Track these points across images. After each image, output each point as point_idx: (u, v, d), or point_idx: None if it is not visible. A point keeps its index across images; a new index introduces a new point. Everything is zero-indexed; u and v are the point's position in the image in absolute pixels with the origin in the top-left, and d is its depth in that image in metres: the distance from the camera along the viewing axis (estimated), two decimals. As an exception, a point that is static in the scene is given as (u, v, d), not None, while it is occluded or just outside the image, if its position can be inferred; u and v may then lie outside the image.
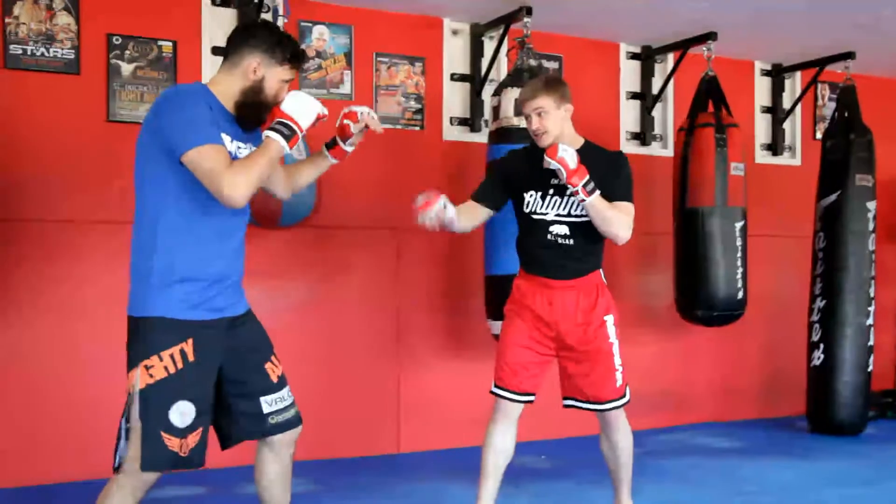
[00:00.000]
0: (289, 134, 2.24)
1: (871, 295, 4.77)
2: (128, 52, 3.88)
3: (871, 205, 4.79)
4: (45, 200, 3.76)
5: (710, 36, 4.50)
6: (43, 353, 3.73)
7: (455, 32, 4.55)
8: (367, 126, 2.55)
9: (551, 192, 2.89)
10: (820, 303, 4.81)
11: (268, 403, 2.40)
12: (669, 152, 4.91)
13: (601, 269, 3.00)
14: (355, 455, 4.29)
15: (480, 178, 4.18)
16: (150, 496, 2.34)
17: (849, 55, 4.87)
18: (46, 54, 3.74)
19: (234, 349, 2.34)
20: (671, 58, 4.99)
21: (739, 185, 4.41)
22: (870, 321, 4.76)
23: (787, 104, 5.43)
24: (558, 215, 2.89)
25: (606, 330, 2.94)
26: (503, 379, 2.97)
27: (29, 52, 3.71)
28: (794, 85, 5.46)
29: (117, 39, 3.87)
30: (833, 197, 4.80)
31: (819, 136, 5.40)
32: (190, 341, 2.22)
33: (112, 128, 3.85)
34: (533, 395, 2.99)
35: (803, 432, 4.96)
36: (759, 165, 5.31)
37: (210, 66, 3.98)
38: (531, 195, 2.92)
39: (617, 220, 2.83)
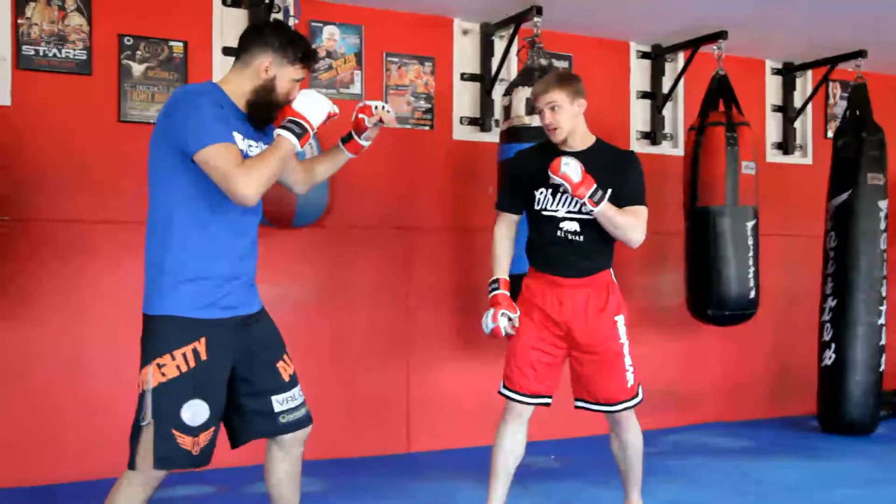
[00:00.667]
0: (300, 132, 2.26)
1: (883, 294, 4.75)
2: (139, 52, 3.90)
3: (883, 203, 4.77)
4: (56, 200, 3.78)
5: (720, 35, 4.48)
6: (49, 352, 3.74)
7: (465, 32, 4.55)
8: (381, 120, 2.56)
9: (561, 189, 2.88)
10: (831, 302, 4.79)
11: (279, 402, 2.41)
12: (680, 151, 4.90)
13: (611, 269, 2.99)
14: (365, 454, 4.30)
15: (490, 178, 4.22)
16: (159, 495, 2.35)
17: (860, 53, 4.85)
18: (58, 55, 3.76)
19: (247, 347, 2.35)
20: (681, 57, 4.97)
21: (751, 184, 4.39)
22: (881, 320, 4.74)
23: (798, 103, 5.41)
24: (569, 212, 2.88)
25: (617, 330, 2.93)
26: (512, 380, 2.96)
27: (41, 53, 3.73)
28: (805, 83, 5.44)
29: (129, 40, 3.88)
30: (844, 196, 4.78)
31: (830, 134, 5.38)
32: (203, 340, 2.23)
33: (123, 128, 3.87)
34: (546, 397, 2.97)
35: (814, 432, 4.94)
36: (770, 164, 5.29)
37: (221, 66, 4.00)
38: (541, 192, 2.92)
39: (628, 226, 2.82)
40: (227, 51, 4.00)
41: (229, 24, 4.02)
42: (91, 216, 3.83)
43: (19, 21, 3.69)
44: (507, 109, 4.01)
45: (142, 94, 3.90)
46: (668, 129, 5.08)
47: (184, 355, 2.21)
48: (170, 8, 3.96)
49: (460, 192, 4.52)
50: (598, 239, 2.89)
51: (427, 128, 4.49)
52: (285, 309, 3.67)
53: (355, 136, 2.61)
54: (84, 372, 3.78)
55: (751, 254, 4.38)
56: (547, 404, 2.99)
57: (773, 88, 5.40)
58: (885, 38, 4.73)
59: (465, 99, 4.56)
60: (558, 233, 2.90)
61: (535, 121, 3.88)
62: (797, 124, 5.44)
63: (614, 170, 2.87)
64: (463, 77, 4.55)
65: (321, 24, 4.24)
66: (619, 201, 2.84)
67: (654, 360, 4.96)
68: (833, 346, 4.75)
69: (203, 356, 2.23)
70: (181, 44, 3.97)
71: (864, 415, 4.73)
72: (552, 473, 4.03)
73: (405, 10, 4.37)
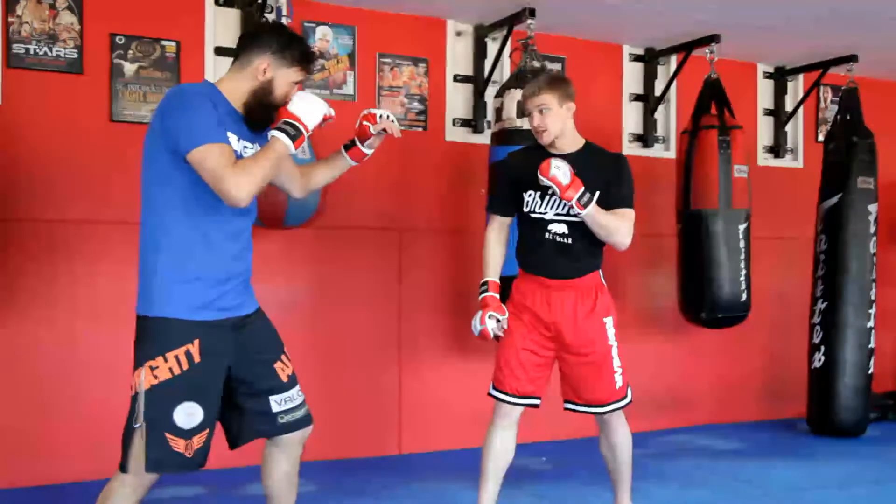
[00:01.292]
0: (295, 134, 2.25)
1: (873, 297, 4.77)
2: (131, 51, 3.88)
3: (873, 207, 4.79)
4: (48, 200, 3.75)
5: (713, 38, 4.50)
6: (43, 352, 3.72)
7: (458, 34, 4.55)
8: (385, 130, 2.56)
9: (550, 191, 2.89)
10: (821, 305, 4.81)
11: (277, 403, 2.40)
12: (672, 154, 4.91)
13: (600, 271, 2.99)
14: (357, 456, 4.29)
15: (483, 179, 4.22)
16: (152, 496, 2.34)
17: (851, 58, 4.87)
18: (49, 54, 3.74)
19: (243, 348, 2.34)
20: (674, 60, 4.98)
21: (743, 187, 4.41)
22: (871, 323, 4.76)
23: (789, 106, 5.43)
24: (557, 214, 2.89)
25: (606, 332, 2.93)
26: (501, 381, 2.96)
27: (32, 52, 3.71)
28: (796, 87, 5.46)
29: (120, 39, 3.86)
30: (835, 199, 4.80)
31: (821, 138, 5.40)
32: (196, 342, 2.22)
33: (115, 128, 3.85)
34: (535, 398, 2.97)
35: (805, 434, 4.96)
36: (762, 168, 5.31)
37: (213, 66, 3.98)
38: (530, 195, 2.92)
39: (615, 229, 2.83)
40: (219, 51, 3.99)
41: (222, 24, 4.01)
42: (83, 216, 3.81)
43: (10, 19, 3.67)
44: (499, 111, 4.02)
45: (134, 93, 3.89)
46: (660, 132, 5.09)
47: (176, 357, 2.20)
48: (162, 7, 3.94)
49: (453, 193, 4.52)
50: (586, 241, 2.89)
51: (420, 129, 4.48)
52: (276, 310, 3.62)
53: (358, 144, 2.60)
54: (78, 372, 3.76)
55: (742, 257, 4.40)
56: (536, 406, 2.99)
57: (765, 92, 5.42)
58: (876, 42, 4.76)
59: (458, 100, 4.56)
60: (547, 235, 2.90)
61: (526, 123, 3.87)
62: (789, 128, 5.46)
63: (603, 172, 2.87)
64: (456, 79, 4.55)
65: (314, 25, 4.23)
66: (607, 204, 2.84)
67: (647, 362, 4.97)
68: (823, 348, 4.77)
69: (196, 358, 2.22)
70: (173, 43, 3.95)
71: (853, 417, 4.75)
72: (544, 475, 4.03)
73: (398, 11, 4.37)
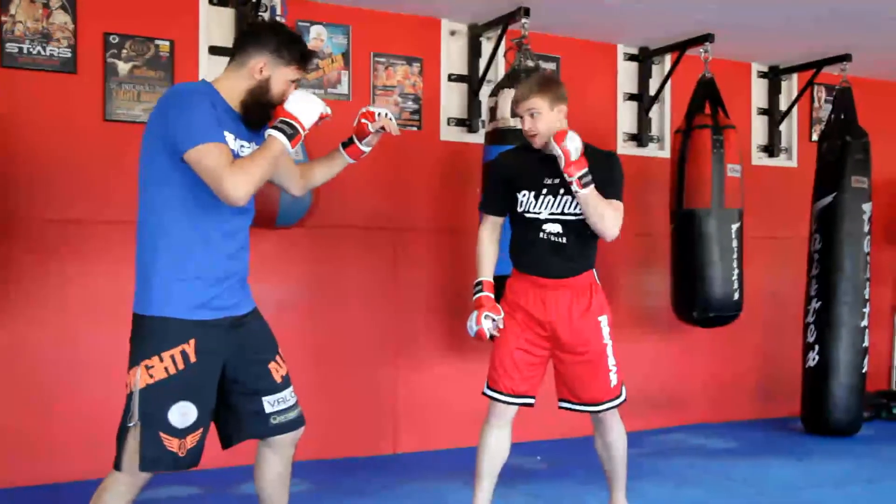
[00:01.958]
0: (291, 133, 2.25)
1: (866, 296, 4.78)
2: (125, 51, 3.87)
3: (867, 206, 4.80)
4: (42, 200, 3.75)
5: (707, 37, 4.50)
6: (38, 351, 3.72)
7: (453, 33, 4.55)
8: (383, 128, 2.57)
9: (544, 191, 2.89)
10: (815, 304, 4.82)
11: (270, 404, 2.39)
12: (666, 154, 4.92)
13: (594, 270, 3.00)
14: (353, 455, 4.29)
15: (477, 178, 4.22)
16: (147, 496, 2.34)
17: (845, 57, 4.88)
18: (43, 53, 3.73)
19: (238, 348, 2.34)
20: (668, 59, 4.99)
21: (736, 187, 4.42)
22: (864, 323, 4.77)
23: (783, 106, 5.44)
24: (552, 213, 2.89)
25: (601, 330, 2.94)
26: (496, 381, 2.97)
27: (25, 51, 3.70)
28: (790, 87, 5.47)
29: (114, 38, 3.86)
30: (829, 199, 4.81)
31: (815, 137, 5.41)
32: (192, 342, 2.22)
33: (109, 127, 3.84)
34: (530, 397, 2.98)
35: (799, 433, 4.97)
36: (756, 167, 5.32)
37: (207, 65, 3.98)
38: (524, 195, 2.92)
39: (608, 216, 2.84)
40: (213, 50, 3.98)
41: (216, 23, 4.01)
42: (78, 216, 3.80)
43: (3, 18, 3.66)
44: (493, 111, 4.02)
45: (127, 93, 3.88)
46: (654, 132, 5.10)
47: (172, 357, 2.19)
48: (156, 6, 3.94)
49: (448, 192, 4.52)
50: (580, 240, 2.90)
51: (415, 128, 4.48)
52: (272, 309, 3.63)
53: (356, 142, 2.61)
54: (76, 371, 3.76)
55: (735, 256, 4.41)
56: (530, 405, 3.00)
57: (759, 91, 5.43)
58: (869, 42, 4.77)
59: (452, 100, 4.56)
60: (541, 234, 2.91)
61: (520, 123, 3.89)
62: (783, 127, 5.47)
63: (596, 168, 2.86)
64: (450, 78, 4.55)
65: (308, 24, 4.23)
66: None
67: (642, 361, 4.98)
68: (817, 347, 4.78)
69: (192, 358, 2.21)
70: (167, 42, 3.94)
71: (847, 416, 4.77)
72: (539, 474, 4.03)
73: (393, 10, 4.37)
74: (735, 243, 4.41)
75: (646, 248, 5.01)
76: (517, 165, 2.96)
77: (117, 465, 2.23)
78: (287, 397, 2.44)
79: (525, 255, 2.97)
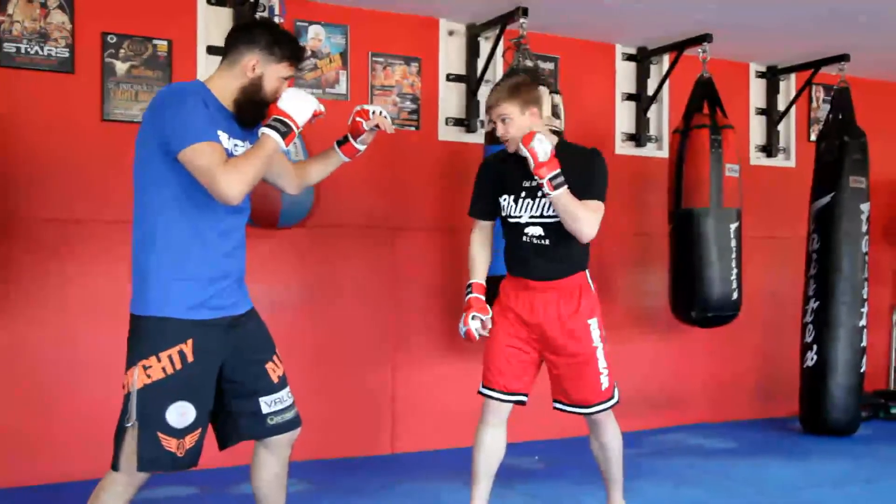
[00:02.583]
0: (285, 131, 2.24)
1: (865, 296, 4.78)
2: (122, 50, 3.87)
3: (865, 206, 4.80)
4: (40, 199, 3.74)
5: (705, 38, 4.50)
6: (34, 351, 3.71)
7: (451, 33, 4.55)
8: (377, 126, 2.57)
9: (523, 194, 2.91)
10: (813, 304, 4.83)
11: (267, 404, 2.39)
12: (664, 153, 4.92)
13: (586, 271, 2.97)
14: (350, 455, 4.28)
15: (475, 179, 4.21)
16: (144, 496, 2.34)
17: (843, 57, 4.88)
18: (41, 53, 3.72)
19: (236, 348, 2.34)
20: (666, 59, 4.99)
21: (734, 187, 4.42)
22: (863, 322, 4.77)
23: (781, 106, 5.44)
24: (532, 217, 2.89)
25: (590, 333, 2.92)
26: (489, 379, 2.98)
27: (23, 51, 3.69)
28: (788, 87, 5.48)
29: (112, 38, 3.85)
30: (827, 198, 4.81)
31: (813, 137, 5.42)
32: (189, 342, 2.21)
33: (107, 127, 3.84)
34: (523, 395, 2.99)
35: (797, 433, 4.97)
36: (754, 167, 5.32)
37: (205, 65, 3.97)
38: (505, 199, 2.94)
39: (582, 217, 2.80)
40: (211, 49, 3.98)
41: (214, 23, 4.00)
42: (75, 215, 3.80)
43: (1, 18, 3.65)
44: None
45: (125, 92, 3.88)
46: (652, 132, 5.10)
47: (170, 357, 2.19)
48: (154, 6, 3.93)
49: (446, 192, 4.51)
50: (564, 242, 2.88)
51: (413, 128, 4.48)
52: (270, 309, 3.63)
53: (351, 140, 2.61)
54: (75, 371, 3.75)
55: (734, 256, 4.41)
56: (522, 402, 3.00)
57: (757, 91, 5.43)
58: (867, 42, 4.77)
59: (450, 100, 4.56)
60: (524, 238, 2.91)
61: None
62: (781, 127, 5.47)
63: (576, 167, 2.84)
64: (449, 78, 4.55)
65: (306, 24, 4.23)
66: (579, 196, 2.82)
67: (640, 361, 4.99)
68: (815, 347, 4.78)
69: (189, 358, 2.21)
70: (165, 42, 3.94)
71: (845, 416, 4.77)
72: (537, 474, 4.03)
73: (391, 10, 4.37)
74: (733, 243, 4.41)
75: (644, 248, 5.01)
76: (500, 170, 2.98)
77: (115, 466, 2.22)
78: (284, 397, 2.43)
79: (513, 258, 2.98)
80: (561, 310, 2.90)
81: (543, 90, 2.96)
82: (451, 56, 4.55)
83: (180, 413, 2.20)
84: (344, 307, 4.32)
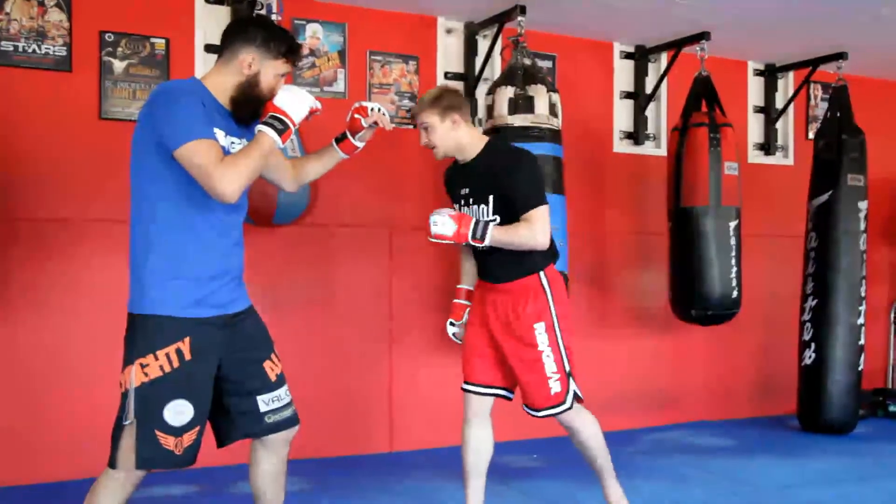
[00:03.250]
0: (281, 128, 2.24)
1: (863, 294, 4.79)
2: (120, 49, 3.86)
3: (863, 204, 4.80)
4: (37, 198, 3.74)
5: (703, 36, 4.50)
6: (32, 350, 3.71)
7: (449, 31, 4.55)
8: (376, 123, 2.58)
9: (462, 202, 2.95)
10: (811, 302, 4.83)
11: (264, 402, 2.39)
12: (663, 152, 4.92)
13: (541, 273, 2.90)
14: (347, 454, 4.28)
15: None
16: (142, 495, 2.34)
17: (841, 55, 4.88)
18: (38, 51, 3.72)
19: (233, 346, 2.33)
20: (665, 57, 4.99)
21: (733, 185, 4.41)
22: (861, 320, 4.78)
23: (779, 104, 5.44)
24: None
25: (535, 337, 2.87)
26: (466, 373, 3.02)
27: (20, 49, 3.69)
28: (786, 85, 5.48)
29: (110, 36, 3.85)
30: (825, 197, 4.81)
31: (811, 136, 5.41)
32: (187, 340, 2.21)
33: (104, 125, 3.83)
34: (501, 388, 3.00)
35: (795, 431, 4.98)
36: (752, 165, 5.32)
37: (203, 63, 3.97)
38: (457, 208, 3.00)
39: (525, 240, 2.78)
40: (209, 48, 3.98)
41: (211, 21, 4.00)
42: (72, 214, 3.79)
43: (-2, 16, 3.66)
44: (490, 109, 4.01)
45: (123, 91, 3.87)
46: (651, 130, 5.10)
47: (167, 355, 2.19)
48: (151, 5, 3.93)
49: (443, 191, 4.50)
50: (505, 248, 2.84)
51: (411, 126, 4.47)
52: (266, 308, 3.62)
53: (350, 137, 2.61)
54: (68, 370, 3.75)
55: (733, 254, 4.41)
56: (505, 397, 3.02)
57: (755, 89, 5.43)
58: (865, 40, 4.77)
59: (448, 98, 4.55)
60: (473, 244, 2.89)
61: (517, 120, 3.89)
62: (779, 125, 5.47)
63: (498, 176, 2.82)
64: (447, 76, 4.55)
65: (304, 22, 4.23)
66: (512, 206, 2.81)
67: (639, 359, 4.99)
68: (813, 345, 4.78)
69: (187, 356, 2.21)
70: (163, 41, 3.94)
71: (843, 414, 4.77)
72: (535, 472, 4.03)
73: (389, 8, 4.36)
74: (733, 241, 4.41)
75: (643, 247, 5.01)
76: (449, 178, 3.05)
77: (112, 463, 2.22)
78: (282, 396, 2.43)
79: (476, 262, 3.02)
80: (508, 312, 2.90)
81: (465, 103, 2.93)
82: (449, 54, 4.55)
83: (178, 411, 2.20)
84: (342, 306, 4.32)
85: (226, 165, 2.14)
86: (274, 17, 3.90)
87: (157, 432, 2.18)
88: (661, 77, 4.92)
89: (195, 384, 2.24)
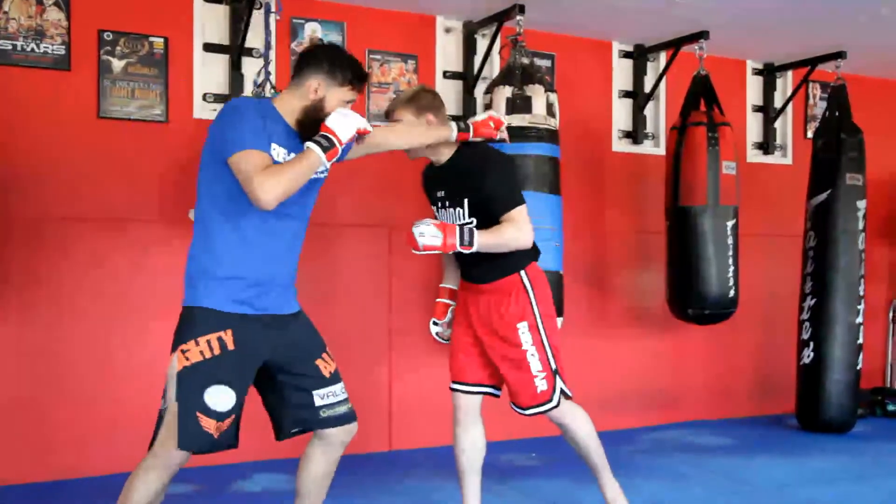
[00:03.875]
0: (328, 146, 2.34)
1: (861, 293, 4.79)
2: (119, 48, 3.86)
3: (861, 204, 4.81)
4: (36, 197, 3.73)
5: (702, 35, 4.50)
6: (30, 350, 3.71)
7: (448, 30, 4.55)
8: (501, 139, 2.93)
9: (439, 204, 2.95)
10: (810, 301, 4.83)
11: (320, 397, 2.50)
12: (661, 151, 4.92)
13: (522, 272, 2.89)
14: (347, 453, 4.26)
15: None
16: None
17: (840, 55, 4.88)
18: (37, 50, 3.72)
19: (283, 346, 2.44)
20: (663, 56, 4.99)
21: (731, 184, 4.42)
22: (859, 319, 4.78)
23: (778, 103, 5.44)
24: None
25: (518, 336, 2.87)
26: (454, 373, 3.03)
27: (19, 48, 3.69)
28: (785, 84, 5.48)
29: (108, 35, 3.84)
30: (823, 196, 4.82)
31: (810, 135, 5.42)
32: (229, 332, 2.32)
33: (103, 124, 3.83)
34: (489, 386, 3.00)
35: (794, 430, 4.98)
36: (751, 164, 5.32)
37: (202, 62, 3.97)
38: (434, 209, 3.00)
39: (510, 242, 2.77)
40: (207, 47, 3.98)
41: (210, 20, 4.00)
42: (70, 213, 3.79)
43: (-3, 15, 3.65)
44: (489, 108, 4.01)
45: (121, 90, 3.87)
46: (649, 129, 5.10)
47: (208, 342, 2.29)
48: (150, 3, 3.93)
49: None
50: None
51: (409, 126, 4.47)
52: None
53: (468, 134, 2.84)
54: (68, 370, 3.74)
55: (731, 253, 4.41)
56: (492, 394, 3.03)
57: (753, 89, 5.44)
58: (864, 39, 4.77)
59: (447, 97, 4.53)
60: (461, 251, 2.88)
61: (515, 120, 3.89)
62: (777, 124, 5.48)
63: (472, 178, 2.81)
64: (445, 75, 4.54)
65: (303, 21, 4.22)
66: (487, 208, 2.79)
67: (637, 358, 4.99)
68: (811, 344, 4.79)
69: (230, 346, 2.30)
70: (161, 39, 3.93)
71: (841, 413, 4.78)
72: (533, 471, 4.04)
73: (388, 7, 4.36)
74: (731, 240, 4.42)
75: (641, 246, 5.01)
76: (426, 180, 3.04)
77: (153, 445, 2.31)
78: (337, 392, 2.54)
79: (458, 262, 3.02)
80: (492, 313, 2.90)
81: (441, 105, 2.95)
82: (447, 53, 4.55)
83: (218, 395, 2.29)
84: (341, 305, 4.32)
85: (267, 174, 2.25)
86: (272, 15, 3.90)
87: (199, 414, 2.28)
88: (660, 76, 4.92)
89: (236, 373, 2.34)
